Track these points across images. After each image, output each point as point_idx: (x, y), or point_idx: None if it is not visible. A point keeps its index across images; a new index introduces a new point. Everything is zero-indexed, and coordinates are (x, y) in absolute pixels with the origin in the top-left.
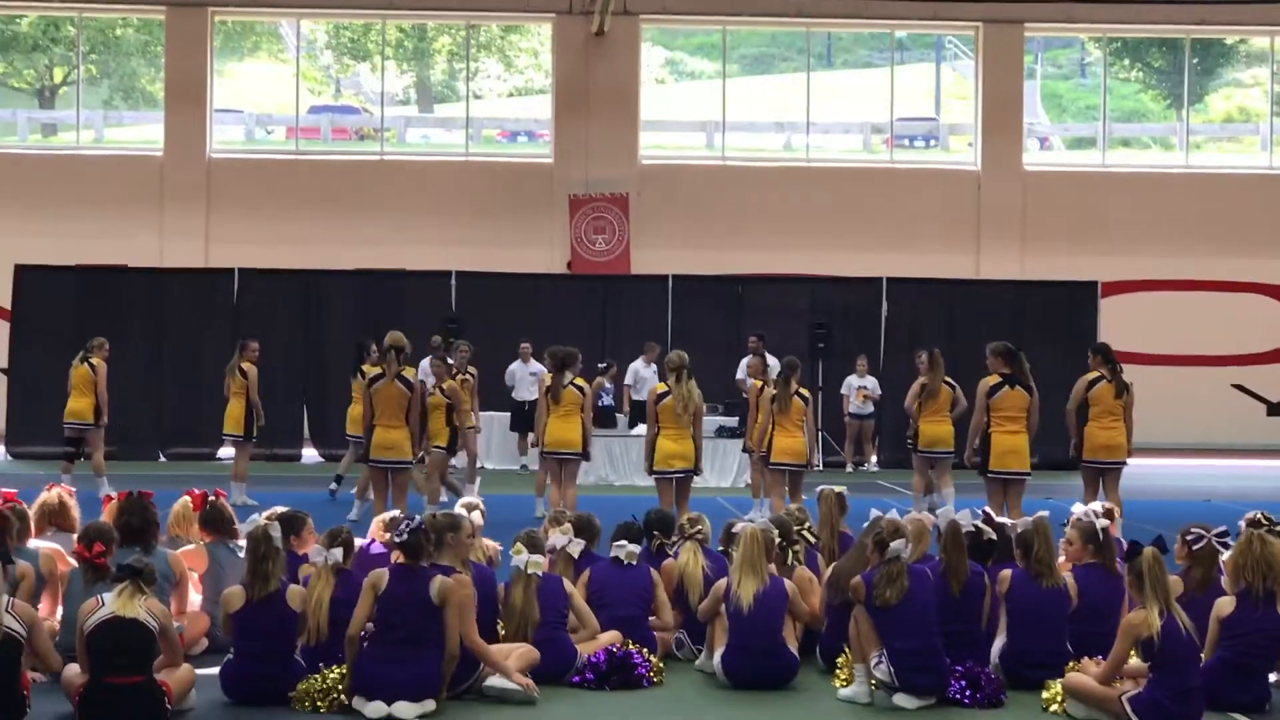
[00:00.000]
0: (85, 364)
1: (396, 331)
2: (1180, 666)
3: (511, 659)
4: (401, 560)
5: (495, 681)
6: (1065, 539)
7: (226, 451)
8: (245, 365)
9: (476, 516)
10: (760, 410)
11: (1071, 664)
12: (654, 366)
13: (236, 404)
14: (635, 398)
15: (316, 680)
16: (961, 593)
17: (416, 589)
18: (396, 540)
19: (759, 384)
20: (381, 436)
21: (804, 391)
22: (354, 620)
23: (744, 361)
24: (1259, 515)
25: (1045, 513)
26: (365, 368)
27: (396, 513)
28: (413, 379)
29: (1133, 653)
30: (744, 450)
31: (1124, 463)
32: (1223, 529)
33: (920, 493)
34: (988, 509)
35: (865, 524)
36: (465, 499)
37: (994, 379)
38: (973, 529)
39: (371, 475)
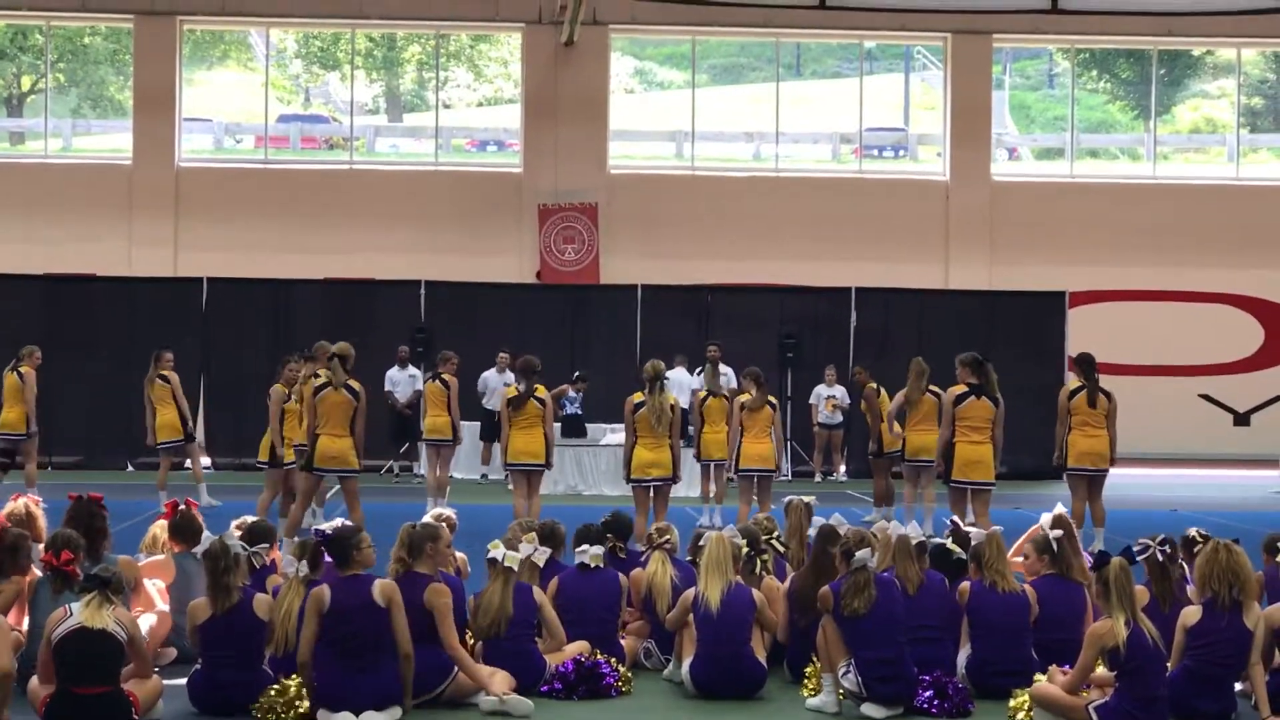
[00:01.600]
0: (14, 373)
1: (344, 342)
2: (1146, 676)
3: (495, 679)
4: (342, 574)
5: (491, 699)
6: (1021, 553)
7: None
8: (166, 372)
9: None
10: (708, 419)
11: (1038, 674)
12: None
13: (167, 411)
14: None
15: (276, 691)
16: (921, 590)
17: (359, 598)
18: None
19: (703, 394)
20: (326, 445)
21: (772, 399)
22: (302, 643)
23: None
24: (1195, 533)
25: (999, 527)
26: (279, 385)
27: (347, 523)
28: (358, 388)
29: (1099, 662)
30: (696, 458)
31: (1106, 470)
32: (1163, 537)
33: (908, 501)
34: (955, 519)
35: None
36: (435, 509)
37: (960, 388)
38: (943, 548)
39: (304, 482)
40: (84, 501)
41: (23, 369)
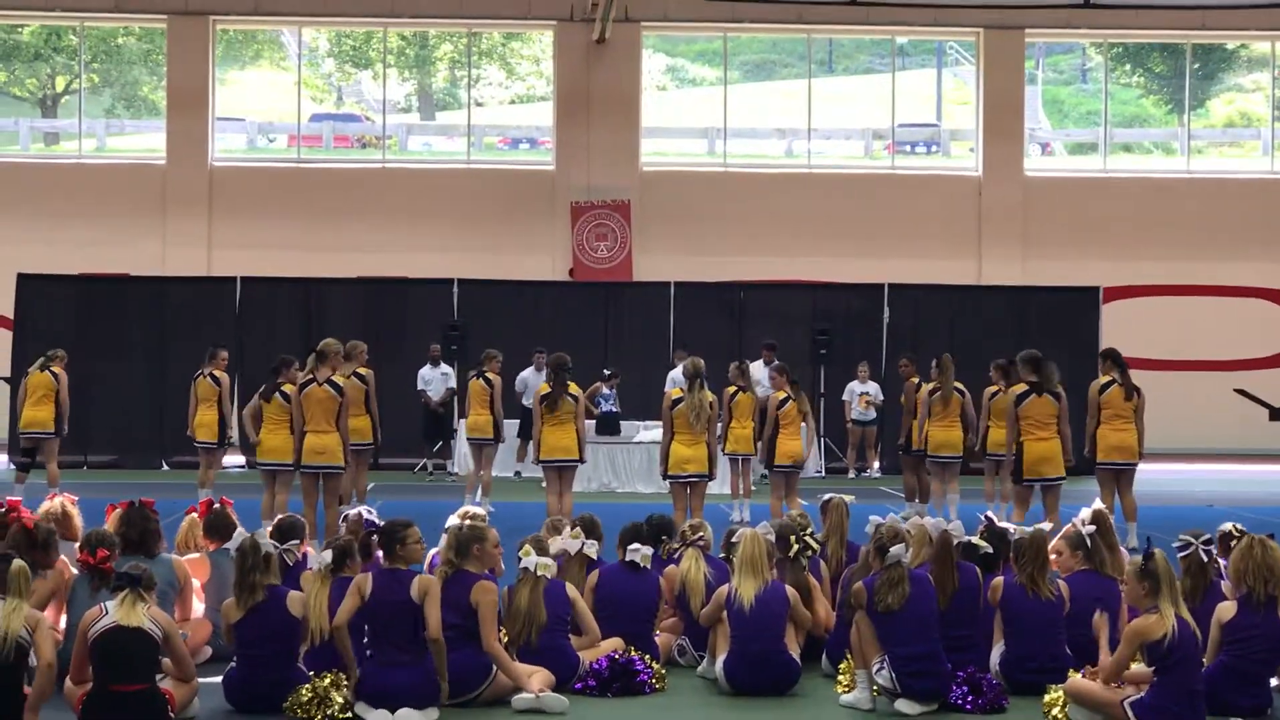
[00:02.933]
0: (46, 371)
1: (331, 338)
2: (1186, 670)
3: (534, 679)
4: (385, 565)
5: (526, 696)
6: (1054, 549)
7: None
8: (218, 373)
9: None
10: (736, 414)
11: (1072, 671)
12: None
13: (209, 412)
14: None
15: (306, 690)
16: (954, 597)
17: (398, 593)
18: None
19: (732, 390)
20: (313, 441)
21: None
22: (339, 612)
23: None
24: (1231, 528)
25: (1047, 525)
26: (286, 388)
27: (363, 509)
28: (343, 383)
29: (1137, 657)
30: (723, 453)
31: (1135, 464)
32: (1207, 536)
33: (938, 497)
34: (990, 514)
35: (865, 529)
36: (465, 507)
37: (1021, 387)
38: (969, 543)
39: (302, 480)
40: (136, 506)
41: (54, 369)
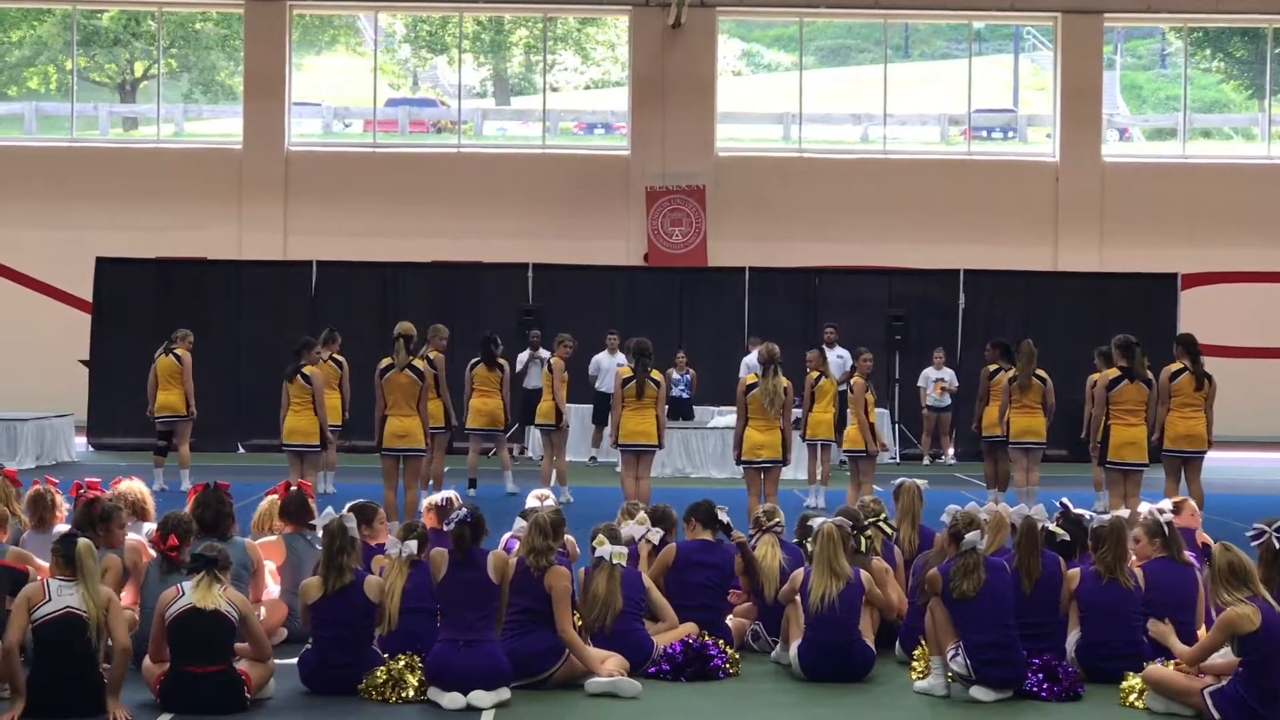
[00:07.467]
0: (170, 355)
1: (406, 321)
2: (1271, 665)
3: (608, 664)
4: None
5: (600, 680)
6: (1133, 536)
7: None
8: (338, 355)
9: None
10: (818, 399)
11: (1148, 663)
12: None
13: (333, 396)
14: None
15: (381, 672)
16: (1036, 587)
17: (475, 573)
18: (445, 530)
19: (814, 375)
20: (395, 425)
21: (854, 380)
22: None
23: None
24: None
25: (1125, 512)
26: (307, 369)
27: (451, 493)
28: (423, 367)
29: (1230, 644)
30: (802, 438)
31: (1204, 452)
32: None
33: (1019, 484)
34: (1065, 501)
35: (941, 518)
36: (538, 491)
37: (1113, 372)
38: (1047, 530)
39: (383, 463)
40: (211, 489)
41: (178, 351)
